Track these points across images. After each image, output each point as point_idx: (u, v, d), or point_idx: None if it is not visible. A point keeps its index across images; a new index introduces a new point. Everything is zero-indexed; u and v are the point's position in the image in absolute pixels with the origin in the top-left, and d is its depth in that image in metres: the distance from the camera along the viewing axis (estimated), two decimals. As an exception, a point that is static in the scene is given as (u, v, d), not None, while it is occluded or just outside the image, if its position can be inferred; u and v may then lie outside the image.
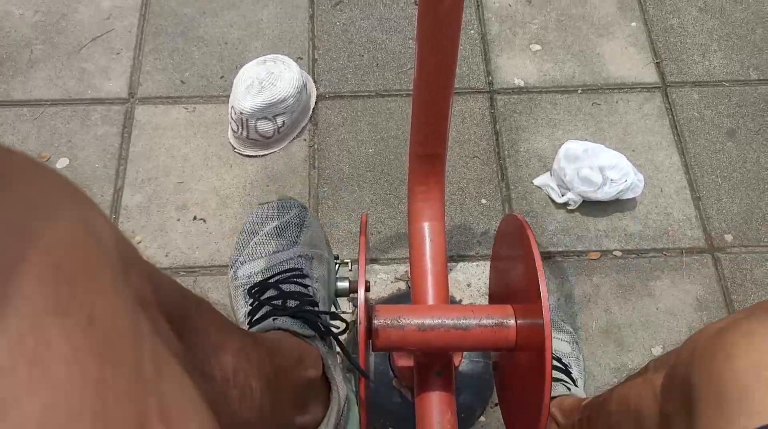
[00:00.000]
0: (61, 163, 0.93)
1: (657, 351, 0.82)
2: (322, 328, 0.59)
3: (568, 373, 0.71)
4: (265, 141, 0.93)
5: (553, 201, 0.91)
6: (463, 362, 0.77)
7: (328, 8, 1.08)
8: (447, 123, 0.62)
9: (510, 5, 1.09)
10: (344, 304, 0.75)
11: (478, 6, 1.09)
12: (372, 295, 0.84)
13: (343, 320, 0.62)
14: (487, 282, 0.78)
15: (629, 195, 0.89)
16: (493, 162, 0.95)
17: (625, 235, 0.89)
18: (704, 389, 0.31)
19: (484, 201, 0.92)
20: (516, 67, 1.03)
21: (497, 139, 0.97)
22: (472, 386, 0.78)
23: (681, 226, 0.90)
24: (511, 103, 1.00)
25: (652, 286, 0.86)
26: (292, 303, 0.60)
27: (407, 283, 0.85)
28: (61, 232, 0.19)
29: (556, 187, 0.91)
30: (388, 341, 0.52)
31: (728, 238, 0.90)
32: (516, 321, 0.52)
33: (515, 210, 0.91)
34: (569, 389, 0.69)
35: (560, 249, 0.88)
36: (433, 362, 0.59)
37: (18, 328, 0.17)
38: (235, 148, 0.95)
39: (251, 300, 0.62)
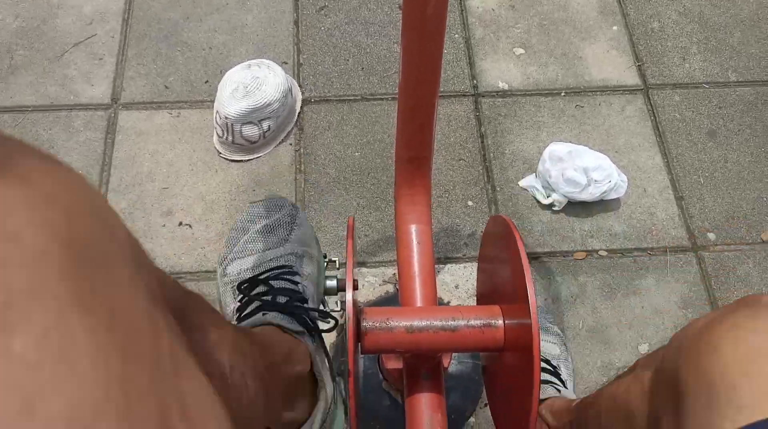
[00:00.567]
0: (44, 170, 0.92)
1: (643, 349, 0.83)
2: (311, 325, 0.60)
3: (557, 375, 0.72)
4: (250, 146, 0.93)
5: (538, 202, 0.92)
6: (452, 363, 0.77)
7: (313, 13, 1.09)
8: (432, 126, 0.62)
9: (493, 10, 1.10)
10: (332, 303, 0.76)
11: (462, 10, 1.10)
12: (360, 298, 0.84)
13: (332, 317, 0.63)
14: (475, 283, 0.78)
15: (613, 195, 0.90)
16: (478, 164, 0.96)
17: (610, 235, 0.90)
18: (692, 384, 0.32)
19: (470, 203, 0.92)
20: (500, 71, 1.04)
21: (482, 142, 0.98)
22: (462, 387, 0.78)
23: (664, 226, 0.92)
24: (496, 106, 1.01)
25: (637, 284, 0.87)
26: (281, 299, 0.60)
27: (395, 285, 0.85)
28: (79, 226, 0.19)
29: (541, 189, 0.91)
30: (377, 343, 0.52)
31: (711, 236, 0.91)
32: (504, 321, 0.53)
33: (501, 212, 0.92)
34: (559, 391, 0.69)
35: (546, 249, 0.89)
36: (422, 364, 0.59)
37: (43, 322, 0.17)
38: (220, 153, 0.94)
39: (240, 296, 0.62)
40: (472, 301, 0.83)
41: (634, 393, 0.41)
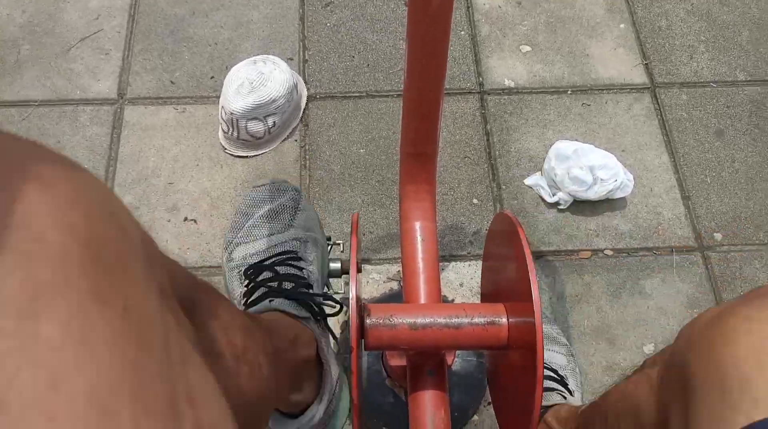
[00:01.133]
0: (50, 165, 0.92)
1: (649, 349, 0.83)
2: (317, 310, 0.61)
3: (564, 385, 0.71)
4: (255, 142, 0.93)
5: (544, 201, 0.92)
6: (456, 361, 0.77)
7: (319, 9, 1.08)
8: (437, 122, 0.62)
9: (500, 7, 1.10)
10: (336, 286, 0.76)
11: (468, 8, 1.10)
12: (364, 295, 0.84)
13: (336, 301, 0.64)
14: (480, 281, 0.78)
15: (619, 194, 0.89)
16: (484, 162, 0.95)
17: (616, 234, 0.90)
18: (703, 377, 0.31)
19: (475, 201, 0.92)
20: (506, 68, 1.04)
21: (488, 140, 0.97)
22: (465, 385, 0.78)
23: (671, 225, 0.91)
24: (502, 104, 1.01)
25: (643, 284, 0.86)
26: (287, 285, 0.61)
27: (399, 283, 0.84)
28: (97, 227, 0.21)
29: (546, 187, 0.91)
30: (380, 340, 0.52)
31: (717, 236, 0.90)
32: (508, 319, 0.52)
33: (506, 209, 0.91)
34: (565, 398, 0.69)
35: (551, 248, 0.89)
36: (425, 361, 0.59)
37: (66, 311, 0.18)
38: (225, 149, 0.94)
39: (247, 281, 0.63)
40: (477, 299, 0.83)
41: (642, 389, 0.40)
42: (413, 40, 0.53)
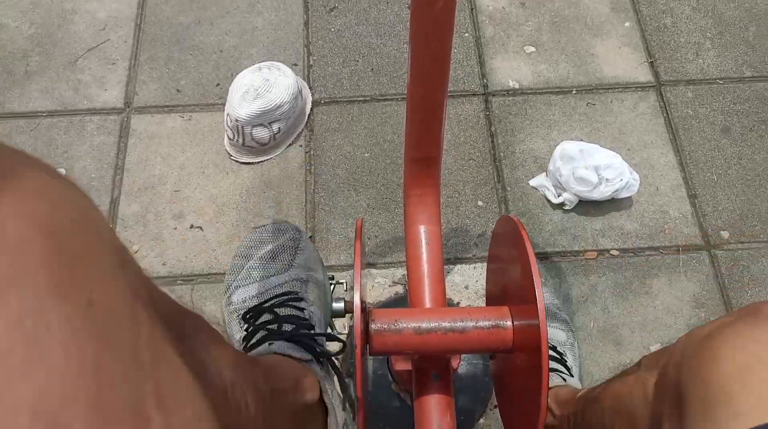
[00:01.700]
0: (59, 174, 0.93)
1: (655, 349, 0.82)
2: (319, 351, 0.59)
3: (563, 363, 0.71)
4: (261, 148, 0.93)
5: (549, 201, 0.91)
6: (462, 364, 0.77)
7: (323, 14, 1.09)
8: (441, 125, 0.62)
9: (504, 8, 1.10)
10: (340, 327, 0.74)
11: (472, 9, 1.10)
12: (369, 299, 0.84)
13: (340, 340, 0.62)
14: (485, 284, 0.78)
15: (625, 194, 0.89)
16: (489, 164, 0.95)
17: (622, 234, 0.90)
18: (692, 392, 0.32)
19: (480, 203, 0.92)
20: (510, 69, 1.04)
21: (493, 141, 0.97)
22: (471, 388, 0.78)
23: (677, 224, 0.91)
24: (506, 105, 1.00)
25: (650, 284, 0.86)
26: (287, 327, 0.59)
27: (404, 286, 0.85)
28: (64, 219, 0.20)
29: (552, 188, 0.91)
30: (386, 345, 0.52)
31: (724, 234, 0.90)
32: (513, 322, 0.53)
33: (512, 211, 0.91)
34: (564, 379, 0.69)
35: (557, 249, 0.88)
36: (431, 365, 0.59)
37: (18, 308, 0.17)
38: (231, 156, 0.95)
39: (246, 325, 0.61)
40: (482, 302, 0.83)
41: (637, 395, 0.41)
42: (416, 43, 0.53)
